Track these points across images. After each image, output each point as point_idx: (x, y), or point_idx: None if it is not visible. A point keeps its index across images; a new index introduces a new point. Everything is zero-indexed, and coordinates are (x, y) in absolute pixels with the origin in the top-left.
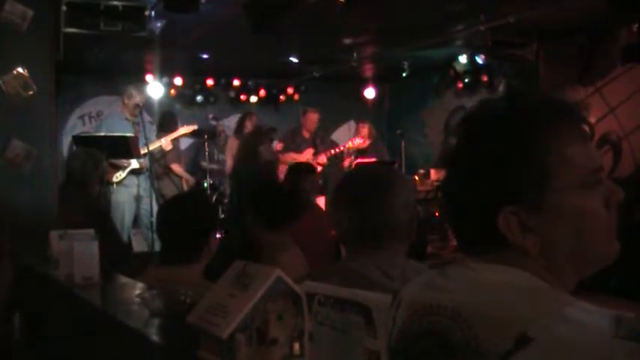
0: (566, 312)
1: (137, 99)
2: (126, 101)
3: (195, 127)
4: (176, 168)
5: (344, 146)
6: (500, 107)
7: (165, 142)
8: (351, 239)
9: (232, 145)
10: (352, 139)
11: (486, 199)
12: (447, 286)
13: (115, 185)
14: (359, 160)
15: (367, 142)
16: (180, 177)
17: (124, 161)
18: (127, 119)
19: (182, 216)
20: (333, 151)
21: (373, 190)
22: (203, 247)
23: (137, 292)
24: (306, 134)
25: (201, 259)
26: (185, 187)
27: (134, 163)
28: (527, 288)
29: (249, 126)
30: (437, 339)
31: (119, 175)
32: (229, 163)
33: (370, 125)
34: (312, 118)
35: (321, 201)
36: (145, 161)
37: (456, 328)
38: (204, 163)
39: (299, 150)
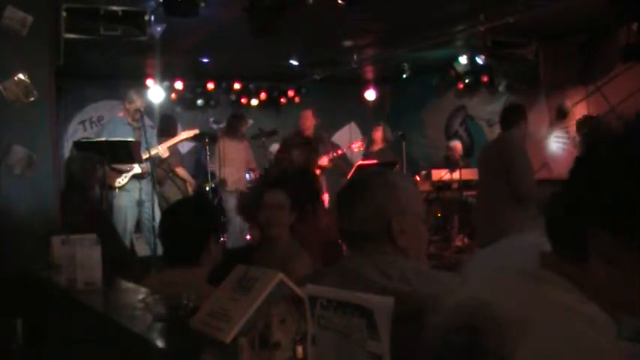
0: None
1: (138, 103)
2: (127, 106)
3: (196, 131)
4: (180, 172)
5: (345, 149)
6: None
7: (162, 150)
8: (343, 240)
9: (225, 146)
10: (352, 143)
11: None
12: (496, 292)
13: (117, 190)
14: (360, 162)
15: (380, 145)
16: (184, 181)
17: (126, 166)
18: (128, 124)
19: (180, 218)
20: (334, 154)
21: (347, 194)
22: (202, 250)
23: (140, 296)
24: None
25: (202, 262)
26: (190, 191)
27: (136, 168)
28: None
29: (241, 128)
30: (471, 341)
31: (121, 180)
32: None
33: (384, 129)
34: (307, 115)
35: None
36: (147, 166)
37: (493, 333)
38: (211, 165)
39: None
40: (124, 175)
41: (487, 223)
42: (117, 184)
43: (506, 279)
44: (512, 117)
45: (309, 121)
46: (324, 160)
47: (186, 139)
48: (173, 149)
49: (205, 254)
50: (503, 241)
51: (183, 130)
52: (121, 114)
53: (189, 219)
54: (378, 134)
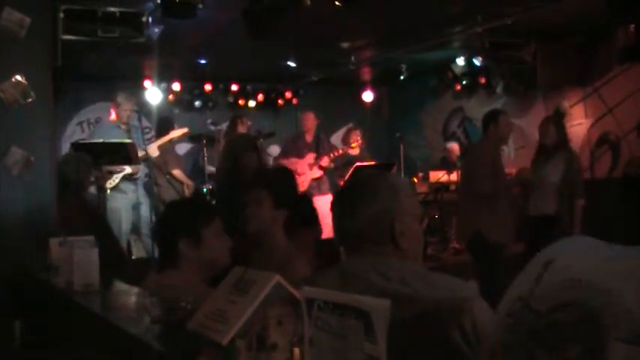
0: None
1: (125, 106)
2: (114, 109)
3: (185, 130)
4: (177, 174)
5: (342, 150)
6: None
7: (152, 150)
8: (340, 242)
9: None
10: (351, 143)
11: None
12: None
13: (109, 191)
14: (358, 164)
15: (356, 151)
16: (181, 183)
17: (116, 167)
18: (118, 127)
19: (157, 220)
20: (332, 155)
21: (349, 195)
22: (172, 253)
23: (137, 298)
24: (309, 138)
25: (182, 264)
26: (187, 193)
27: (127, 169)
28: None
29: (240, 129)
30: (585, 312)
31: (112, 182)
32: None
33: (361, 133)
34: (308, 117)
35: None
36: (140, 167)
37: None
38: (210, 167)
39: (300, 155)
40: (115, 176)
41: (463, 222)
42: (108, 185)
43: (609, 259)
44: (485, 122)
45: (310, 122)
46: (324, 161)
47: (181, 139)
48: (169, 150)
49: (181, 257)
50: (570, 239)
51: None
52: (111, 117)
53: (162, 220)
54: (356, 138)
